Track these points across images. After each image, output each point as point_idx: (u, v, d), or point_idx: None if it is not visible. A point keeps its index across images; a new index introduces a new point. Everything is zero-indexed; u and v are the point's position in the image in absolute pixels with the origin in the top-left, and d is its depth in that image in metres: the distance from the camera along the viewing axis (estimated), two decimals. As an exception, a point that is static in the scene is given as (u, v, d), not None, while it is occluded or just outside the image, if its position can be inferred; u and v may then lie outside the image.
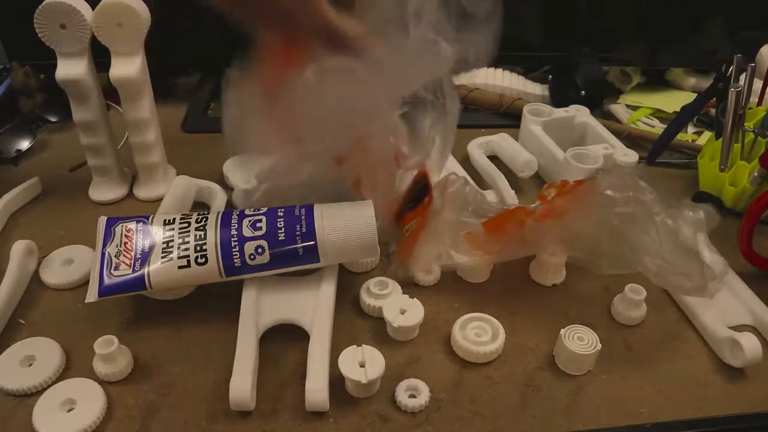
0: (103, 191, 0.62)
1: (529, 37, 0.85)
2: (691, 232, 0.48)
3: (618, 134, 0.73)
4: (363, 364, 0.43)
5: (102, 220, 0.49)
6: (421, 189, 0.51)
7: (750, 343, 0.46)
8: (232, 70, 0.46)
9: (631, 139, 0.77)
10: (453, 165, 0.66)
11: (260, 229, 0.47)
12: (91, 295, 0.45)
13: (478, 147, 0.70)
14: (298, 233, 0.46)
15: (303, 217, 0.47)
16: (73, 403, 0.42)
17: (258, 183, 0.53)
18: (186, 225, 0.47)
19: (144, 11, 0.54)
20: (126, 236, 0.47)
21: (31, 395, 0.43)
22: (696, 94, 0.75)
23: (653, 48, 0.88)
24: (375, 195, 0.50)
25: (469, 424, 0.43)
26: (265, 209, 0.48)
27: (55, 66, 0.55)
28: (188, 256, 0.46)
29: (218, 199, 0.61)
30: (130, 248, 0.47)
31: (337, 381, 0.44)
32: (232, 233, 0.46)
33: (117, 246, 0.47)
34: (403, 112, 0.50)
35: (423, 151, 0.53)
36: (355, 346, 0.44)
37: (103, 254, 0.47)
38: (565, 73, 0.83)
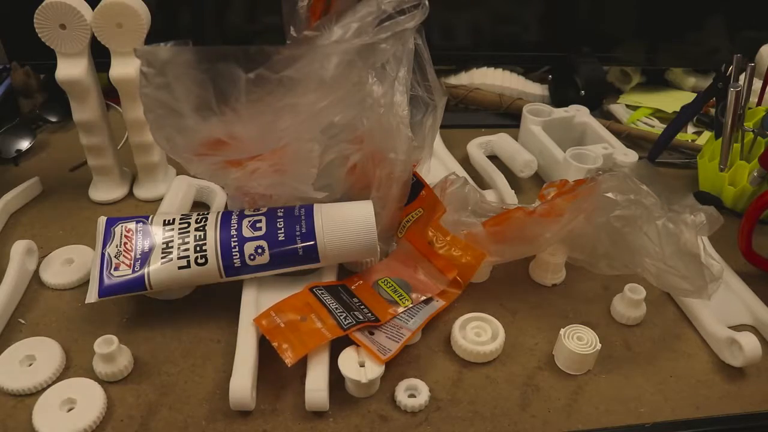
0: (103, 191, 0.62)
1: (529, 37, 0.86)
2: (692, 235, 0.48)
3: (618, 134, 0.74)
4: (363, 363, 0.43)
5: (102, 221, 0.49)
6: (414, 185, 0.52)
7: (749, 342, 0.46)
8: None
9: (631, 139, 0.77)
10: (453, 165, 0.66)
11: (260, 229, 0.47)
12: (91, 295, 0.45)
13: (477, 147, 0.70)
14: (297, 233, 0.46)
15: (303, 218, 0.47)
16: (73, 402, 0.42)
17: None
18: (186, 225, 0.47)
19: (144, 11, 0.54)
20: (126, 236, 0.47)
21: (31, 395, 0.43)
22: (696, 94, 0.75)
23: (653, 48, 0.88)
24: (386, 208, 0.51)
25: (469, 423, 0.43)
26: (264, 209, 0.48)
27: (55, 66, 0.55)
28: (188, 256, 0.46)
29: (218, 199, 0.61)
30: (129, 249, 0.47)
31: (337, 381, 0.44)
32: (231, 233, 0.46)
33: (117, 246, 0.47)
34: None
35: (423, 145, 0.53)
36: (355, 345, 0.44)
37: (102, 255, 0.47)
38: (565, 73, 0.83)
